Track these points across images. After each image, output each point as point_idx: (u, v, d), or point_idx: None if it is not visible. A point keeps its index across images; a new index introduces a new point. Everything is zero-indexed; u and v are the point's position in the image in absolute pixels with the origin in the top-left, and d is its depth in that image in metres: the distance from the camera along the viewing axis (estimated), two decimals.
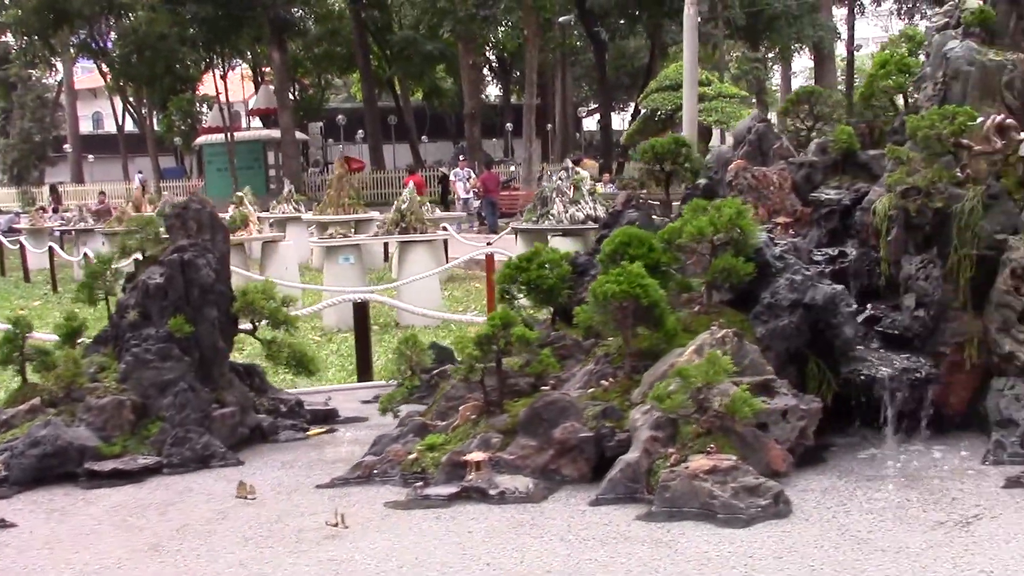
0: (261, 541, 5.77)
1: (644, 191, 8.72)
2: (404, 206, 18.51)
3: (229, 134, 43.34)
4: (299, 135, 49.46)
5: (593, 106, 74.93)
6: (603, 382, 6.91)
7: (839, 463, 6.83)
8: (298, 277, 20.99)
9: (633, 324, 6.92)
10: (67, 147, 63.10)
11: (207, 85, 51.99)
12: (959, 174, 7.32)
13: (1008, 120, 7.30)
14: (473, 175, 37.40)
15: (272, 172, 46.96)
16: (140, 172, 54.09)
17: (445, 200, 41.66)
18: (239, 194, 22.85)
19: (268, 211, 27.51)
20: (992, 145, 7.26)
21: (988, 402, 7.08)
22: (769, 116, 8.70)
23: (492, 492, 6.29)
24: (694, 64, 20.51)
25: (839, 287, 7.04)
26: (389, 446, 7.00)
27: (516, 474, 6.53)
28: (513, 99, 66.02)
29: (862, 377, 7.10)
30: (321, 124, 59.44)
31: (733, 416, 6.23)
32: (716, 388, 6.42)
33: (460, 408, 7.01)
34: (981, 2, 7.97)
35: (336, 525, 5.85)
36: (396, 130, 59.46)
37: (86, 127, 73.64)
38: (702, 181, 8.72)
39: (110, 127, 62.69)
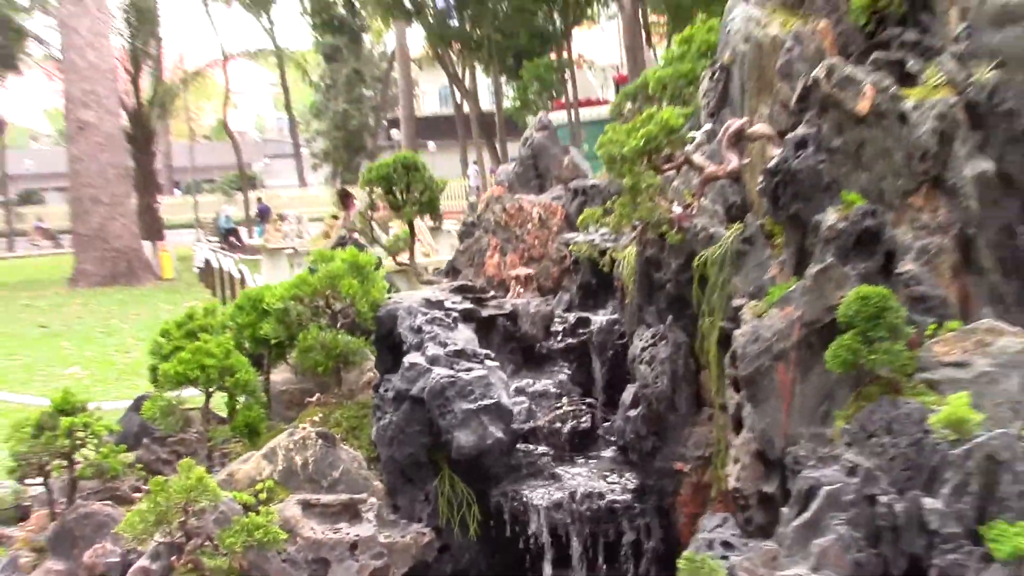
0: None
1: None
2: None
3: (572, 108, 28.03)
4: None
5: None
6: None
7: None
8: None
9: (209, 417, 5.36)
10: (395, 133, 46.02)
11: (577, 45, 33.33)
12: (673, 208, 5.03)
13: (754, 128, 4.90)
14: None
15: None
16: (475, 163, 36.79)
17: None
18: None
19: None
20: (722, 168, 4.90)
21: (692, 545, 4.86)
22: None
23: None
24: None
25: (485, 371, 5.01)
26: None
27: None
28: None
29: (515, 504, 5.08)
30: None
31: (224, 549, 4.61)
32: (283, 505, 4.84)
33: (34, 515, 5.75)
34: None
35: None
36: None
37: (431, 106, 52.83)
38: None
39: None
